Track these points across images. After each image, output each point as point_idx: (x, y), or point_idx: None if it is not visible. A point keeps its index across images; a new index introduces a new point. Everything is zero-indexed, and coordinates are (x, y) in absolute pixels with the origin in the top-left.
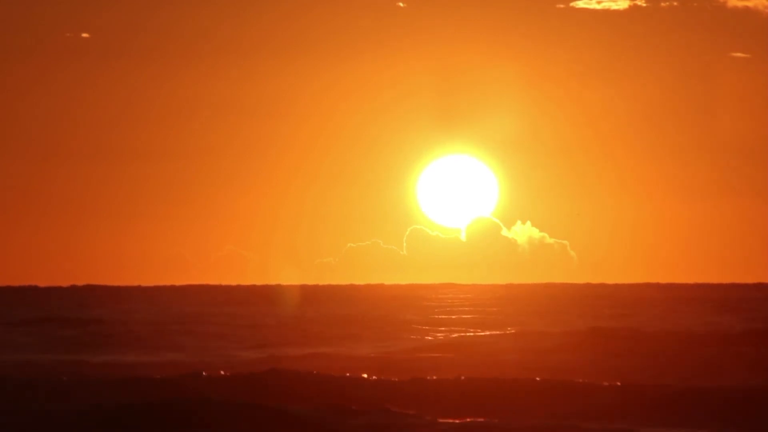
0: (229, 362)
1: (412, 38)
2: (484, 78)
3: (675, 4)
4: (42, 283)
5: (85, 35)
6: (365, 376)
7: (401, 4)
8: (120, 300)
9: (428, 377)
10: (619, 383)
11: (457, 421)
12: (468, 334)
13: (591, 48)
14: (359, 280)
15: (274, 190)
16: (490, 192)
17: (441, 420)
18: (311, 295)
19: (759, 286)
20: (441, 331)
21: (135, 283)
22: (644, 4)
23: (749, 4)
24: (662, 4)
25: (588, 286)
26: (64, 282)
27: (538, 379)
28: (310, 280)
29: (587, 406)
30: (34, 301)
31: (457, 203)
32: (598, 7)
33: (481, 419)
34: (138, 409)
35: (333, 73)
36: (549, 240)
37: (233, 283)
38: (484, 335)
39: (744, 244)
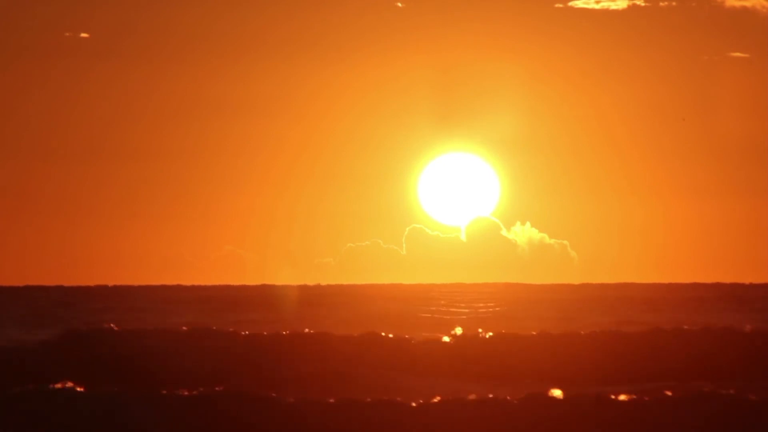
0: None
1: (411, 38)
2: (484, 77)
3: (674, 3)
4: (40, 283)
5: (84, 35)
6: None
7: (399, 5)
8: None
9: None
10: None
11: None
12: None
13: (589, 48)
14: (358, 280)
15: (274, 189)
16: (492, 191)
17: None
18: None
19: (762, 287)
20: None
21: (134, 282)
22: (643, 4)
23: (747, 4)
24: (661, 4)
25: (589, 286)
26: (62, 282)
27: None
28: (310, 280)
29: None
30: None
31: (459, 202)
32: (596, 6)
33: None
34: None
35: (334, 73)
36: (549, 240)
37: (233, 283)
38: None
39: (744, 244)
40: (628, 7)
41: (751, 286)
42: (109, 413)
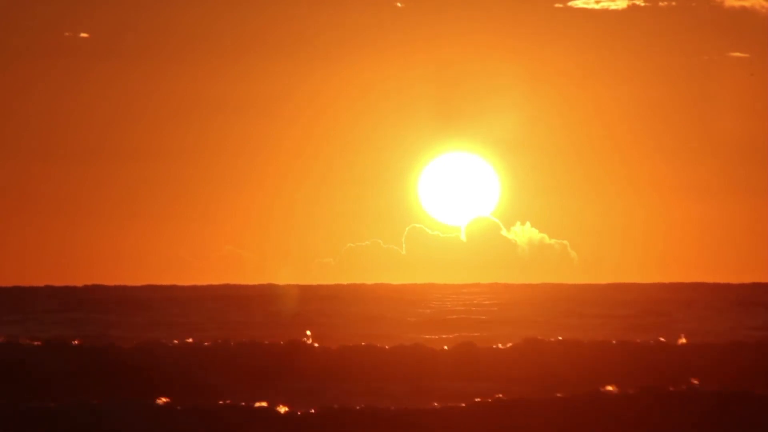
0: None
1: (410, 37)
2: (483, 77)
3: (674, 4)
4: (40, 283)
5: (84, 35)
6: None
7: (399, 5)
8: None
9: None
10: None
11: None
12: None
13: (589, 48)
14: (358, 280)
15: (274, 189)
16: (492, 191)
17: None
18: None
19: (762, 286)
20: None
21: (134, 283)
22: (643, 4)
23: (747, 4)
24: (661, 4)
25: (589, 286)
26: (62, 282)
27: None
28: (310, 280)
29: None
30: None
31: (459, 202)
32: (596, 6)
33: None
34: None
35: (333, 72)
36: (549, 240)
37: (232, 283)
38: None
39: (744, 244)
40: (628, 7)
41: (751, 285)
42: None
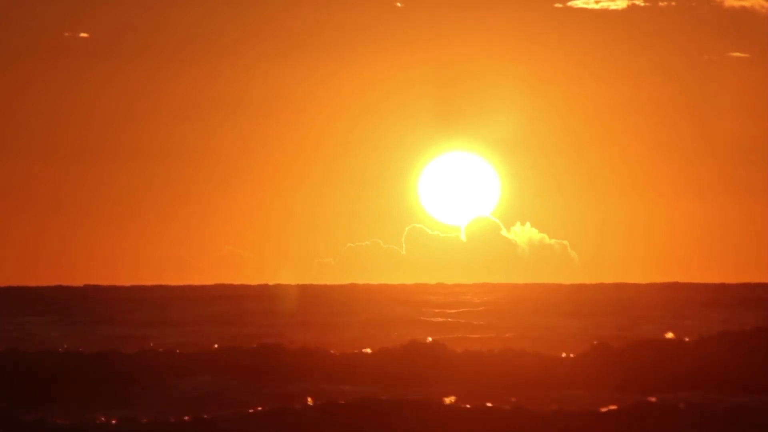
0: None
1: (410, 37)
2: (483, 76)
3: (674, 3)
4: (39, 284)
5: (84, 35)
6: None
7: (399, 4)
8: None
9: None
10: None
11: None
12: None
13: (588, 47)
14: (359, 280)
15: (274, 189)
16: (492, 191)
17: None
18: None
19: (762, 286)
20: None
21: (134, 282)
22: (642, 4)
23: (746, 4)
24: (661, 4)
25: (589, 286)
26: (62, 282)
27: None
28: (310, 280)
29: None
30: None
31: (459, 201)
32: (596, 6)
33: None
34: None
35: (333, 72)
36: (549, 240)
37: (232, 282)
38: None
39: (743, 244)
40: (628, 6)
41: (751, 285)
42: None
